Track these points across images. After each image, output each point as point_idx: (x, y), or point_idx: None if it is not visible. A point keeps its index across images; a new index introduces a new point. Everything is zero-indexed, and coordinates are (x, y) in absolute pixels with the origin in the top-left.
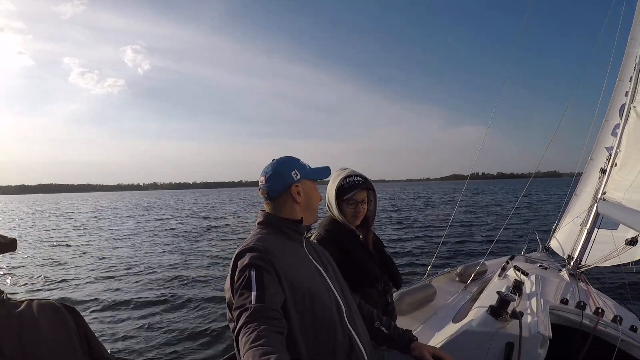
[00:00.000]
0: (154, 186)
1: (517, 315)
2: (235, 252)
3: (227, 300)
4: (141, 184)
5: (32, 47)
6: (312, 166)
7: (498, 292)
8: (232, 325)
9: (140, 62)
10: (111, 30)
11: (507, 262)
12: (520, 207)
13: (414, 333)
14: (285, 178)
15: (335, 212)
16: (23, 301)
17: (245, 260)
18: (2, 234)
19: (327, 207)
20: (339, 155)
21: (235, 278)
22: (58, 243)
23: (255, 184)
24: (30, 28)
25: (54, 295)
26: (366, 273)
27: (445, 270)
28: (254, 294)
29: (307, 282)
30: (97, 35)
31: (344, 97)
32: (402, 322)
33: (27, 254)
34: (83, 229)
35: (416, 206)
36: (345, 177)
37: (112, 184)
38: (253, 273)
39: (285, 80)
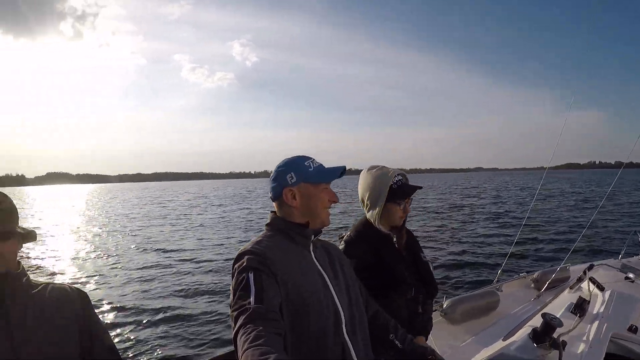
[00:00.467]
0: (265, 174)
1: (558, 346)
2: (235, 255)
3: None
4: (252, 172)
5: (144, 47)
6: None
7: (543, 315)
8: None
9: (248, 55)
10: (217, 26)
11: (585, 272)
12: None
13: (463, 345)
14: (280, 181)
15: (376, 213)
16: (41, 284)
17: (243, 263)
18: (25, 226)
19: (363, 206)
20: (447, 142)
21: (234, 281)
22: (127, 232)
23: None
24: (140, 29)
25: (89, 281)
26: (394, 277)
27: (520, 274)
28: (252, 295)
29: (304, 287)
30: (204, 32)
31: (449, 83)
32: (452, 332)
33: (86, 241)
34: (164, 218)
35: (521, 198)
36: (395, 177)
37: (224, 172)
38: (251, 275)
39: (391, 67)
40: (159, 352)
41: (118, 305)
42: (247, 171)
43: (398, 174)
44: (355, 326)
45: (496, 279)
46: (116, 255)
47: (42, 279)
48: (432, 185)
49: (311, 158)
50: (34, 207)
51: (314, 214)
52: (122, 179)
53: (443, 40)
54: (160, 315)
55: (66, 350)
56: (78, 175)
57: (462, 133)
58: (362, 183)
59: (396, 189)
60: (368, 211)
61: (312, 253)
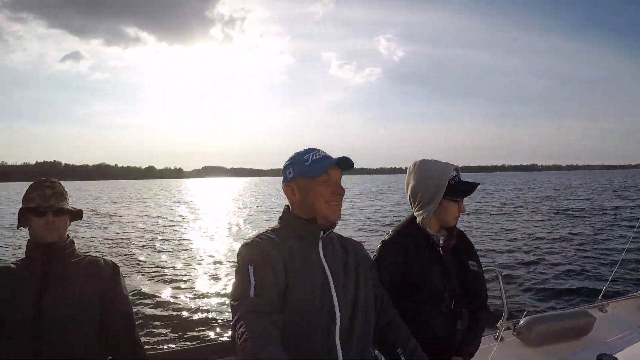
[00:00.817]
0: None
1: None
2: (239, 247)
3: None
4: (402, 167)
5: (291, 47)
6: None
7: (599, 357)
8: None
9: (395, 49)
10: (362, 22)
11: None
12: None
13: None
14: (283, 177)
15: (429, 212)
16: (82, 255)
17: (245, 255)
18: (74, 206)
19: (412, 204)
20: (611, 134)
21: (235, 272)
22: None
23: (522, 167)
24: (287, 30)
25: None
26: (427, 285)
27: (631, 294)
28: (252, 289)
29: (300, 284)
30: (348, 28)
31: (608, 71)
32: (523, 356)
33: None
34: (255, 213)
35: None
36: (452, 172)
37: (375, 167)
38: (251, 268)
39: (540, 55)
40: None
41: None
42: (398, 166)
43: (454, 169)
44: (353, 331)
45: (600, 296)
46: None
47: (93, 253)
48: (583, 183)
49: (315, 150)
50: (193, 195)
51: (314, 209)
52: (275, 172)
53: (602, 25)
54: None
55: (86, 313)
56: (232, 169)
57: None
58: (415, 177)
59: (454, 185)
60: (419, 209)
61: (320, 250)
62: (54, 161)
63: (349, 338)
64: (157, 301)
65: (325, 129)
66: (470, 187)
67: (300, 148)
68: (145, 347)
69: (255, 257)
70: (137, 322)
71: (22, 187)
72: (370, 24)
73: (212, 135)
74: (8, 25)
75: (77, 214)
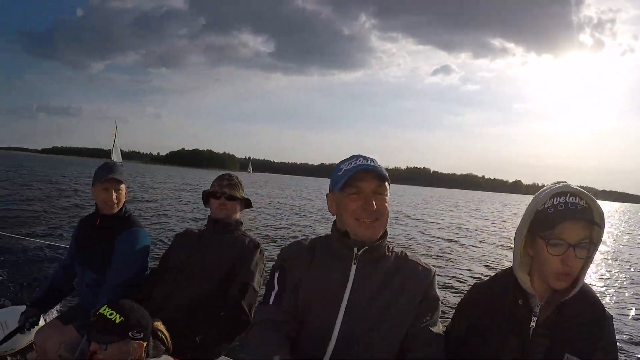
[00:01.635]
0: None
1: None
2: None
3: None
4: None
5: None
6: None
7: None
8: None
9: None
10: None
11: None
12: None
13: None
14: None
15: (514, 254)
16: (241, 235)
17: (277, 259)
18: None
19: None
20: None
21: (270, 272)
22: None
23: None
24: None
25: None
26: None
27: None
28: (272, 294)
29: (315, 297)
30: None
31: None
32: None
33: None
34: None
35: None
36: (555, 196)
37: None
38: (276, 275)
39: None
40: None
41: None
42: None
43: (559, 193)
44: (351, 353)
45: None
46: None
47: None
48: None
49: (356, 158)
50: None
51: (344, 223)
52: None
53: None
54: None
55: (213, 271)
56: (604, 191)
57: None
58: None
59: (544, 217)
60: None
61: (352, 268)
62: (423, 167)
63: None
64: None
65: None
66: (559, 213)
67: None
68: None
69: (284, 262)
70: None
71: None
72: None
73: (582, 151)
74: (380, 44)
75: (247, 202)
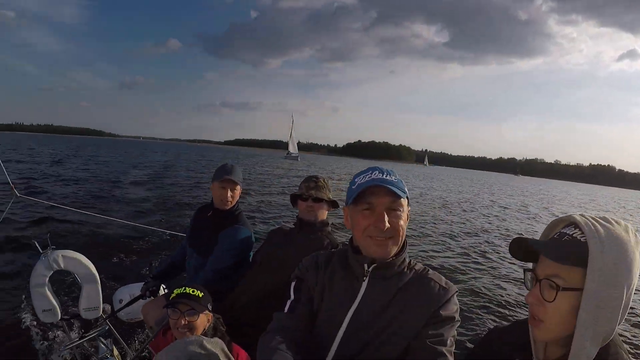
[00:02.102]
0: None
1: None
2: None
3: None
4: None
5: None
6: None
7: None
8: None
9: None
10: None
11: None
12: None
13: None
14: None
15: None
16: (318, 236)
17: (296, 269)
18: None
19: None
20: None
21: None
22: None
23: None
24: None
25: None
26: None
27: None
28: (288, 303)
29: (323, 313)
30: None
31: None
32: None
33: None
34: None
35: None
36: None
37: None
38: (293, 284)
39: None
40: None
41: None
42: None
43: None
44: None
45: None
46: None
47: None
48: None
49: (371, 170)
50: None
51: (357, 240)
52: None
53: None
54: None
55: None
56: None
57: None
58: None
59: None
60: None
61: (363, 285)
62: (608, 165)
63: None
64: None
65: None
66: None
67: None
68: None
69: (302, 273)
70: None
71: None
72: None
73: None
74: (559, 29)
75: (333, 203)
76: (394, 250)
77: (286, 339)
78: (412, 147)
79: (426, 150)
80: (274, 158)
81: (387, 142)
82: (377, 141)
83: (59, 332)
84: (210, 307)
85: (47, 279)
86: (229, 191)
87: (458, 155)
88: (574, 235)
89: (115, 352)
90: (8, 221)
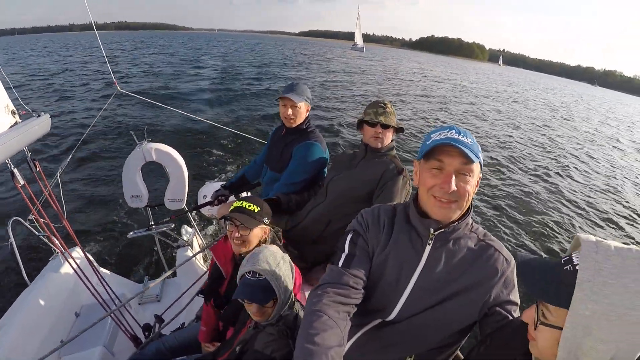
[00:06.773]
0: None
1: None
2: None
3: None
4: None
5: None
6: None
7: None
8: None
9: None
10: None
11: None
12: None
13: None
14: None
15: None
16: (393, 163)
17: (354, 221)
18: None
19: None
20: None
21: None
22: None
23: None
24: None
25: None
26: None
27: None
28: (343, 256)
29: (383, 274)
30: None
31: None
32: None
33: None
34: None
35: None
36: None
37: None
38: (349, 236)
39: None
40: None
41: None
42: None
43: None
44: (403, 333)
45: None
46: None
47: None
48: None
49: (448, 128)
50: None
51: (420, 197)
52: None
53: None
54: None
55: (347, 202)
56: None
57: None
58: None
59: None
60: None
61: (428, 245)
62: None
63: (393, 336)
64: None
65: None
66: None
67: None
68: None
69: (359, 226)
70: None
71: None
72: None
73: None
74: None
75: (400, 130)
76: (457, 214)
77: (336, 300)
78: (487, 46)
79: (503, 50)
80: (342, 48)
81: (461, 38)
82: (450, 37)
83: (142, 218)
84: (266, 221)
85: (139, 168)
86: (289, 109)
87: (535, 59)
88: (577, 267)
89: (196, 242)
90: (108, 113)
